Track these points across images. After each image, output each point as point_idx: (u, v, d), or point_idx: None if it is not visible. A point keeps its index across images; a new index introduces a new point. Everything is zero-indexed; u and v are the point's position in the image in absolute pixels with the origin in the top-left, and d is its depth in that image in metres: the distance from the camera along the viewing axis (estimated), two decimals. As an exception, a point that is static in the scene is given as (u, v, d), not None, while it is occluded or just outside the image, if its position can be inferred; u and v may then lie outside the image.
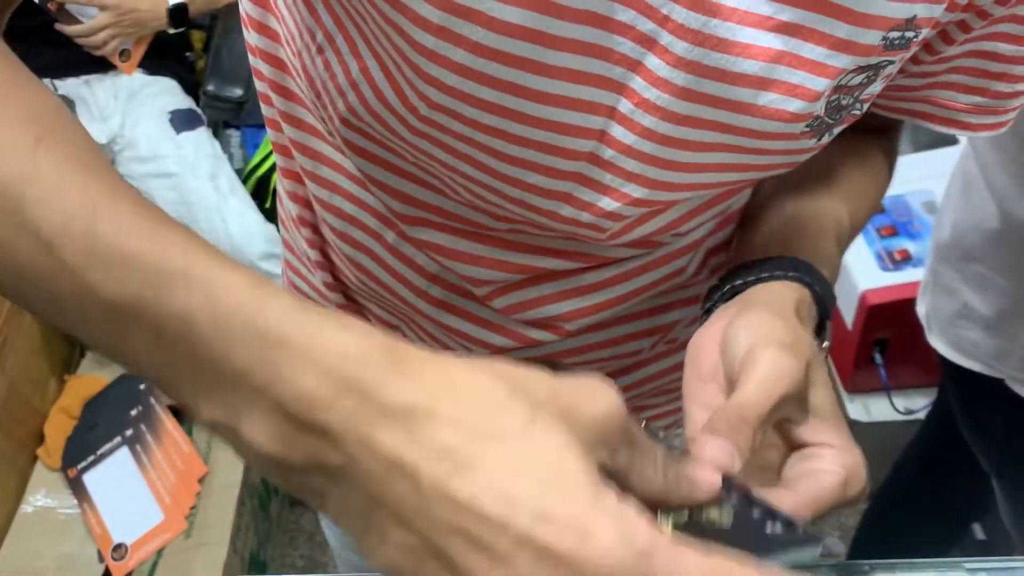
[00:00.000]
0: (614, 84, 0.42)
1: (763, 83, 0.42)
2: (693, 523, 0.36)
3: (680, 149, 0.44)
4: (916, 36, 0.42)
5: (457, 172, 0.47)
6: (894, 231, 1.58)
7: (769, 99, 0.42)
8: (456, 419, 0.27)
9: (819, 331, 0.49)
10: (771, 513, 0.38)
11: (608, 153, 0.45)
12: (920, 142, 1.72)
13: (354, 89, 0.46)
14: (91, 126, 1.62)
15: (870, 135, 0.60)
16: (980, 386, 0.95)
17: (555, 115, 0.42)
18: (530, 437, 0.28)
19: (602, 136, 0.44)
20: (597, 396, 0.30)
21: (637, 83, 0.42)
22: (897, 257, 1.54)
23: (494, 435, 0.27)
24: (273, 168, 1.81)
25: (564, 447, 0.28)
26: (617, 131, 0.44)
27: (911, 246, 1.55)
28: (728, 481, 0.37)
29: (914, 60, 0.49)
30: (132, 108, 1.67)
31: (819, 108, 0.43)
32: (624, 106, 0.43)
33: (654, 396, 0.69)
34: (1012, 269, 0.87)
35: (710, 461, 0.36)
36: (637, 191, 0.46)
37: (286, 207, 0.63)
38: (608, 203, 0.47)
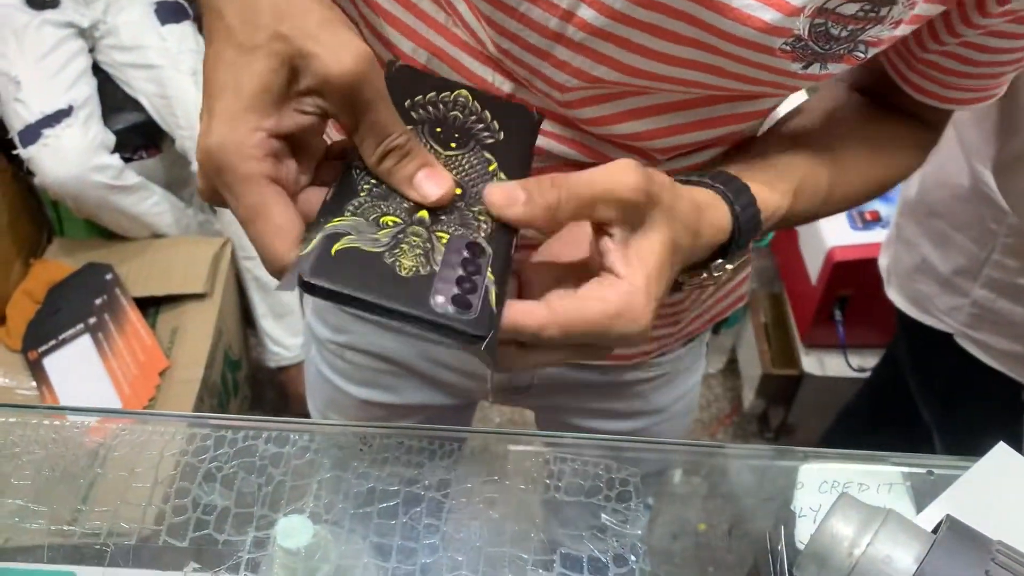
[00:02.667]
0: None
1: None
2: (388, 229, 0.38)
3: (650, 35, 0.45)
4: None
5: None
6: (868, 192, 1.61)
7: (744, 2, 0.43)
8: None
9: (723, 251, 0.49)
10: (465, 293, 0.37)
11: (579, 36, 0.46)
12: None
13: None
14: (73, 9, 1.58)
15: (913, 124, 0.60)
16: (930, 340, 0.98)
17: None
18: (250, 47, 0.38)
19: (570, 17, 0.45)
20: (342, 57, 0.37)
21: None
22: (867, 217, 1.56)
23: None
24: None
25: (265, 68, 0.38)
26: (587, 13, 0.45)
27: (882, 208, 1.57)
28: (478, 248, 0.38)
29: (938, 34, 0.49)
30: None
31: (801, 27, 0.43)
32: None
33: None
34: (972, 227, 0.89)
35: (487, 193, 0.40)
36: (609, 75, 0.47)
37: None
38: (579, 85, 0.48)
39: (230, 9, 0.39)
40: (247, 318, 1.78)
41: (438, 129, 0.44)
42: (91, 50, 1.64)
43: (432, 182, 0.40)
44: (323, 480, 0.50)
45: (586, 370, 0.75)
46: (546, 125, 0.53)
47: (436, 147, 0.43)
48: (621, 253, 0.42)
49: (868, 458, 0.51)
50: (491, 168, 0.43)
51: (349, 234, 0.37)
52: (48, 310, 1.56)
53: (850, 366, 1.63)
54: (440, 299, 0.36)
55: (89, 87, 1.57)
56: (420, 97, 0.45)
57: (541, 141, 0.53)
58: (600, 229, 0.43)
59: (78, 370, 1.49)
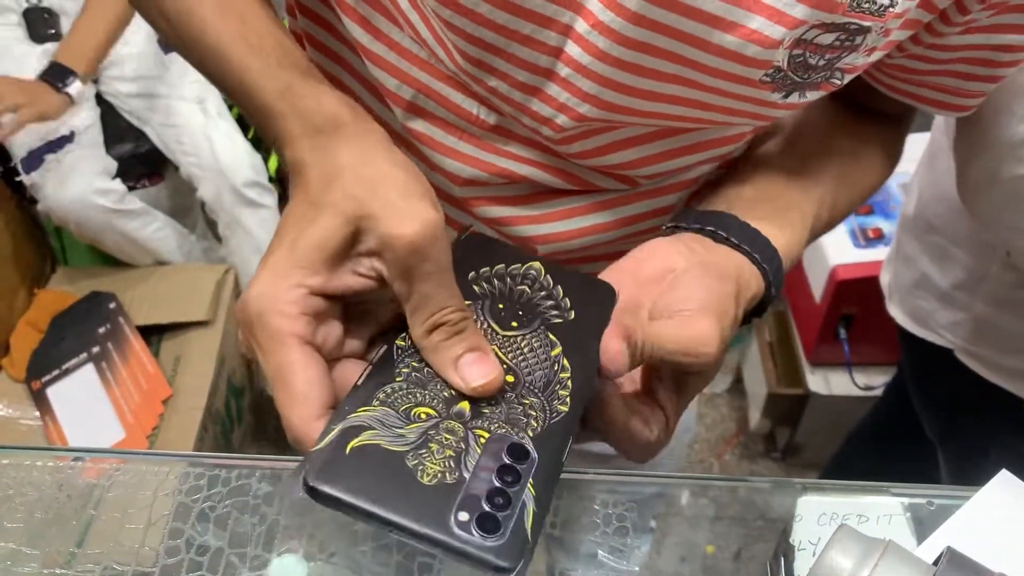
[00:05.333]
0: (571, 3, 0.44)
1: (718, 21, 0.43)
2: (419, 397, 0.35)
3: (635, 74, 0.46)
4: (893, 5, 0.43)
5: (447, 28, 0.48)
6: (870, 210, 1.60)
7: (725, 39, 0.43)
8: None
9: (747, 318, 0.49)
10: (482, 499, 0.32)
11: (565, 71, 0.47)
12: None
13: None
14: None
15: (879, 122, 0.60)
16: (932, 356, 0.97)
17: (510, 22, 0.45)
18: (321, 204, 0.38)
19: (559, 54, 0.46)
20: (407, 222, 0.36)
21: (594, 5, 0.43)
22: (870, 235, 1.56)
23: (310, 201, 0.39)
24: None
25: (327, 225, 0.37)
26: (574, 50, 0.45)
27: (884, 225, 1.57)
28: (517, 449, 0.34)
29: (916, 41, 0.49)
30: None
31: (780, 59, 0.44)
32: (581, 26, 0.44)
33: None
34: (969, 241, 0.89)
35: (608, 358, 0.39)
36: (592, 112, 0.48)
37: None
38: (565, 121, 0.49)
39: (313, 169, 0.39)
40: (251, 344, 1.77)
41: (500, 306, 0.41)
42: (95, 80, 1.65)
43: (477, 368, 0.37)
44: (317, 519, 0.49)
45: None
46: (531, 155, 0.53)
47: (494, 326, 0.40)
48: (674, 399, 0.44)
49: (868, 489, 0.50)
50: (554, 353, 0.39)
51: (372, 428, 0.33)
52: (51, 340, 1.57)
53: (856, 384, 1.62)
54: (463, 516, 0.32)
55: (91, 114, 1.58)
56: (487, 269, 0.42)
57: (525, 170, 0.54)
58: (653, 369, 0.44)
59: (82, 400, 1.49)
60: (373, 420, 0.34)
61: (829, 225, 0.58)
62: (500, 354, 0.38)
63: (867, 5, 0.43)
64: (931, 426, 1.06)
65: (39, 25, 1.57)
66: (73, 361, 1.53)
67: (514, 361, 0.38)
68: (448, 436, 0.34)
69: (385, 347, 0.38)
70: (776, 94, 0.46)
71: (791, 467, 1.86)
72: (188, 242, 1.75)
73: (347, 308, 0.39)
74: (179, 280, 1.66)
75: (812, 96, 0.48)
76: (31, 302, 1.64)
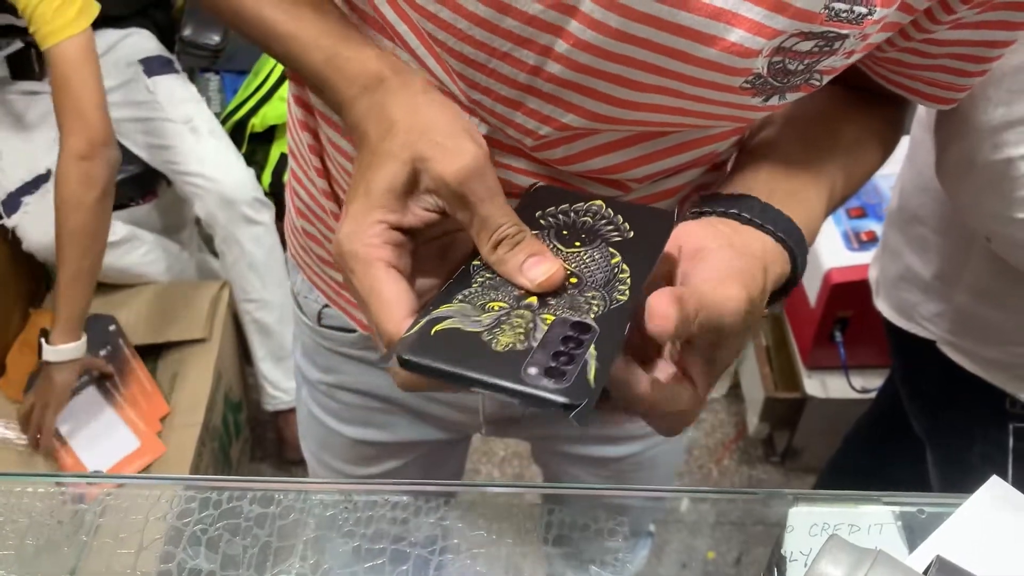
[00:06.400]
0: (549, 26, 0.44)
1: (700, 36, 0.43)
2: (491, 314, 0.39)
3: (616, 84, 0.47)
4: (871, 13, 0.44)
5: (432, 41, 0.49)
6: (863, 212, 1.60)
7: (708, 52, 0.44)
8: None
9: (775, 297, 0.50)
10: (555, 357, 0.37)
11: (548, 87, 0.47)
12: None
13: None
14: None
15: (881, 103, 0.61)
16: (917, 350, 0.98)
17: (489, 39, 0.46)
18: (381, 153, 0.44)
19: (539, 72, 0.47)
20: (455, 159, 0.42)
21: (574, 26, 0.44)
22: (863, 238, 1.56)
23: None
24: (250, 113, 1.80)
25: (391, 170, 0.43)
26: (555, 68, 0.46)
27: (878, 228, 1.57)
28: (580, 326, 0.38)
29: (906, 36, 0.50)
30: (104, 60, 1.64)
31: (760, 67, 0.45)
32: (561, 46, 0.45)
33: None
34: (951, 231, 0.89)
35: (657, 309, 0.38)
36: (577, 121, 0.49)
37: (292, 111, 0.66)
38: (550, 131, 0.50)
39: (371, 125, 0.46)
40: (247, 356, 1.77)
41: (564, 232, 0.45)
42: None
43: (538, 267, 0.42)
44: (308, 540, 0.50)
45: None
46: (517, 163, 0.53)
47: (559, 245, 0.44)
48: (704, 370, 0.44)
49: (859, 498, 0.51)
50: (614, 261, 0.43)
51: (452, 318, 0.39)
52: (48, 360, 1.56)
53: (852, 387, 1.62)
54: (533, 371, 0.36)
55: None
56: (552, 208, 0.47)
57: (518, 179, 0.54)
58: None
59: (87, 418, 1.49)
60: (453, 312, 0.39)
61: (843, 199, 0.59)
62: (564, 263, 0.43)
63: (845, 15, 0.43)
64: (919, 422, 1.06)
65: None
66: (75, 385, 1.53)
67: (577, 268, 0.43)
68: (518, 320, 0.39)
69: (462, 267, 0.43)
70: (756, 98, 0.47)
71: (790, 471, 1.86)
72: (180, 260, 1.75)
73: (421, 249, 0.45)
74: (174, 298, 1.66)
75: (792, 97, 0.49)
76: (26, 323, 1.64)
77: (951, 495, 0.51)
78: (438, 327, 0.38)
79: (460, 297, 0.40)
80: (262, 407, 1.76)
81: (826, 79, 0.48)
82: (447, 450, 0.88)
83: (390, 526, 0.50)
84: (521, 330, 0.38)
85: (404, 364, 0.37)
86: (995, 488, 0.52)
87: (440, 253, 0.46)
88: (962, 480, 0.97)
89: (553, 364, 0.36)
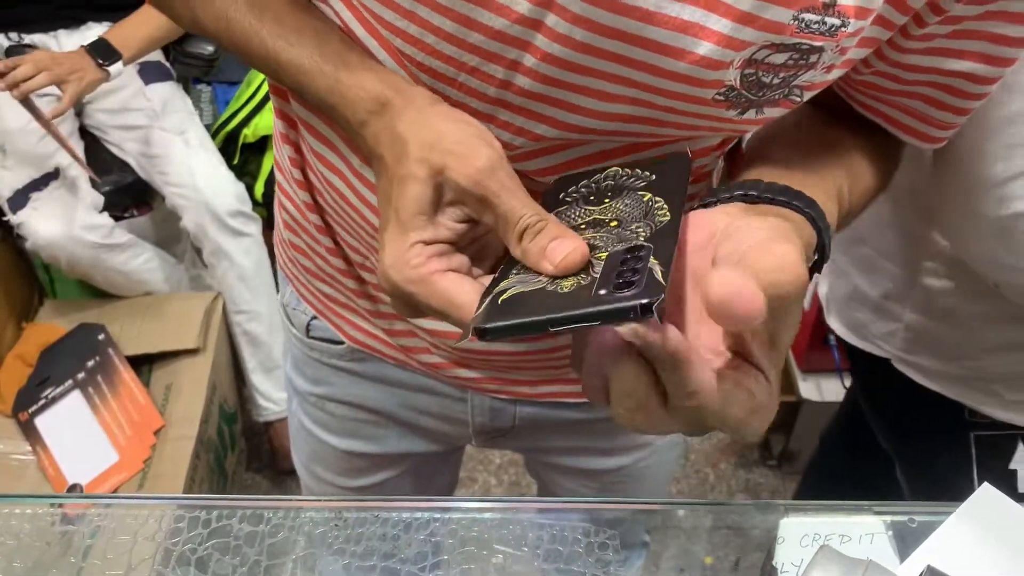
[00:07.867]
0: (515, 40, 0.45)
1: (668, 50, 0.43)
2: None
3: (585, 95, 0.47)
4: (844, 26, 0.43)
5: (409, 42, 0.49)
6: (855, 215, 1.61)
7: (677, 65, 0.44)
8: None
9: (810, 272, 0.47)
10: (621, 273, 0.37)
11: (518, 100, 0.48)
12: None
13: None
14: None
15: (871, 132, 0.59)
16: (874, 367, 0.97)
17: (457, 54, 0.46)
18: (401, 176, 0.44)
19: (508, 85, 0.47)
20: (467, 166, 0.42)
21: (540, 40, 0.44)
22: (856, 241, 1.56)
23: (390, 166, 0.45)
24: (243, 124, 1.80)
25: (414, 192, 0.42)
26: (524, 82, 0.47)
27: (870, 231, 1.57)
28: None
29: (880, 56, 0.50)
30: None
31: (731, 78, 0.44)
32: (529, 60, 0.45)
33: None
34: (896, 252, 0.88)
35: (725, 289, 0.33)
36: (549, 132, 0.49)
37: (276, 124, 0.66)
38: (524, 143, 0.50)
39: (385, 150, 0.46)
40: (240, 368, 1.77)
41: (592, 197, 0.46)
42: (78, 113, 1.65)
43: (559, 249, 0.41)
44: (299, 558, 0.49)
45: (568, 408, 0.75)
46: None
47: (590, 208, 0.45)
48: (767, 351, 0.39)
49: (849, 508, 0.50)
50: (646, 199, 0.44)
51: (514, 287, 0.40)
52: (40, 373, 1.56)
53: (847, 390, 1.62)
54: (602, 292, 0.37)
55: (75, 148, 1.58)
56: (574, 187, 0.47)
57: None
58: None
59: (71, 427, 1.48)
60: (515, 283, 0.40)
61: (851, 210, 0.55)
62: (601, 217, 0.44)
63: (817, 26, 0.43)
64: (883, 435, 1.05)
65: None
66: (59, 389, 1.53)
67: (615, 216, 0.43)
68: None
69: (508, 256, 0.44)
70: (731, 111, 0.47)
71: (787, 475, 1.86)
72: (177, 271, 1.75)
73: (463, 251, 0.45)
74: (168, 309, 1.66)
75: (772, 112, 0.48)
76: (19, 336, 1.64)
77: (941, 504, 0.51)
78: (503, 296, 0.39)
79: (515, 271, 0.42)
80: (258, 418, 1.76)
81: (807, 95, 0.47)
82: (440, 461, 0.87)
83: (380, 543, 0.49)
84: (581, 273, 0.40)
85: (483, 335, 0.38)
86: (985, 496, 0.52)
87: (480, 255, 0.46)
88: (931, 490, 0.97)
89: (620, 281, 0.37)
